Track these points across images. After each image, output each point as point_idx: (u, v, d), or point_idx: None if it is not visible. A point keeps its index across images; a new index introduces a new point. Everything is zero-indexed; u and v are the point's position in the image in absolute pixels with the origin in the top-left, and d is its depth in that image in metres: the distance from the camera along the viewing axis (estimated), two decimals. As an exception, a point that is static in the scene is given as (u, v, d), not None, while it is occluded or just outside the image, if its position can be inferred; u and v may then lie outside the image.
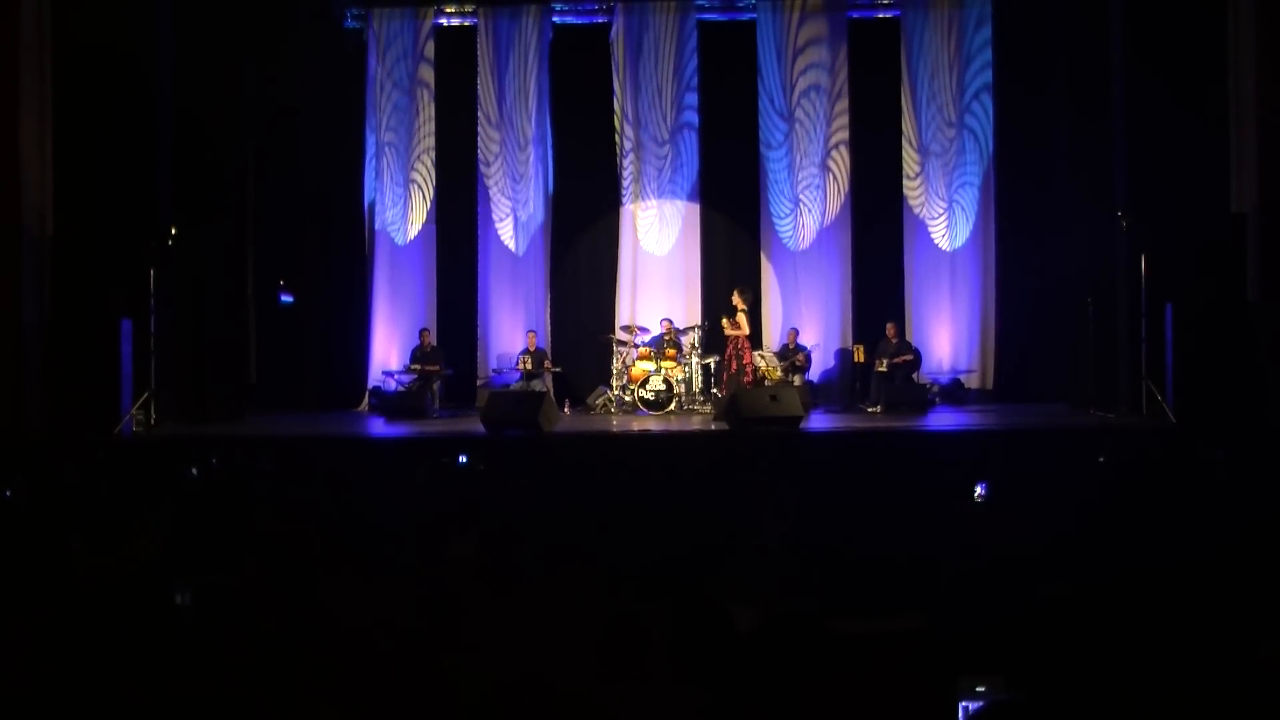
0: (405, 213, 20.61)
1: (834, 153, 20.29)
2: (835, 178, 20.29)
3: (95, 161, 16.45)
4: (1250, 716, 3.99)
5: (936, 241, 20.22)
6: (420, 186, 20.59)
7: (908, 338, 19.61)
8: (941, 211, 20.22)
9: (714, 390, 18.81)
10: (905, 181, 20.26)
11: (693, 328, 19.34)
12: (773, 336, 20.16)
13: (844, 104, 20.26)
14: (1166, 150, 16.61)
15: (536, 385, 19.05)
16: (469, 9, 20.78)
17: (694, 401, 18.82)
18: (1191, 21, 16.66)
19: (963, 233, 20.20)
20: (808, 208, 20.32)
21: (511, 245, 20.59)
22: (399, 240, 20.64)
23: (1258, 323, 15.72)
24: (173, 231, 16.73)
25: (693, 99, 20.43)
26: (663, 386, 18.48)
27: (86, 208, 16.37)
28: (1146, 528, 6.52)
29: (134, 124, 16.81)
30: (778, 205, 20.43)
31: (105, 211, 16.41)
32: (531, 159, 20.52)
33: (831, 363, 20.21)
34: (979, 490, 7.85)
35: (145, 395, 16.15)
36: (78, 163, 16.37)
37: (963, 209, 20.19)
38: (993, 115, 20.09)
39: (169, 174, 17.43)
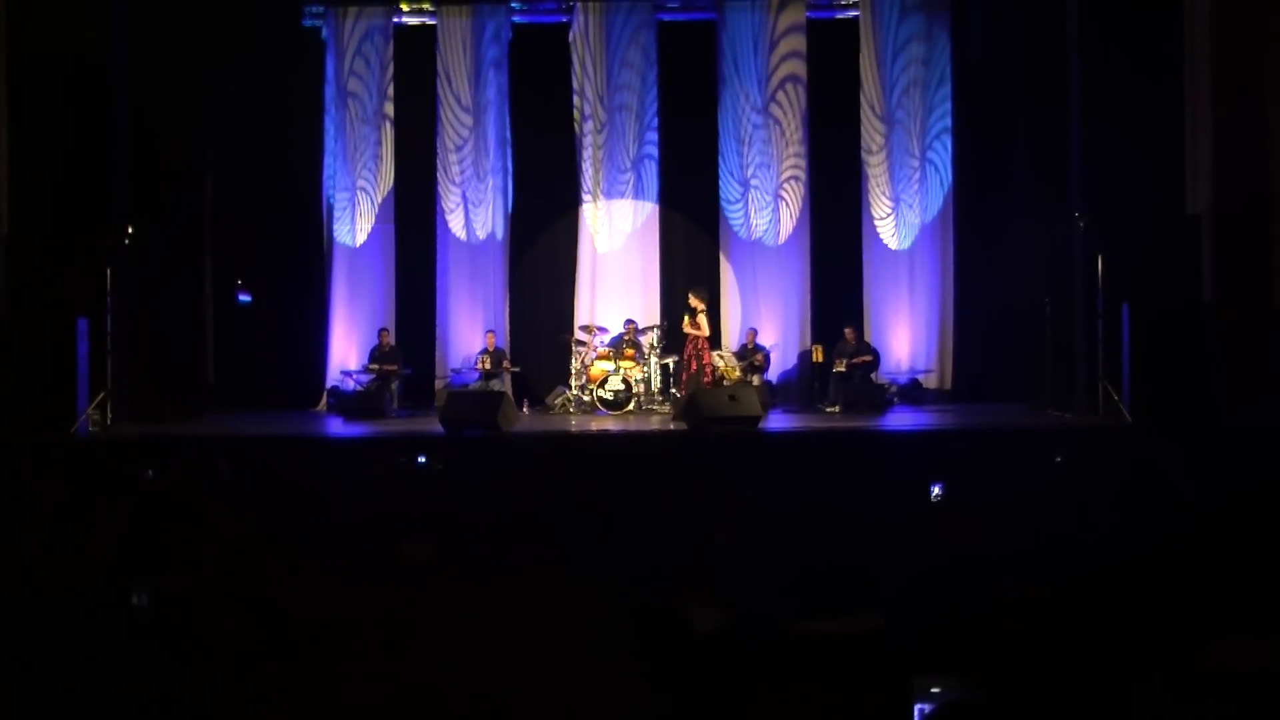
0: (364, 212, 20.55)
1: (793, 153, 20.32)
2: (795, 178, 20.35)
3: (51, 160, 16.38)
4: (1203, 714, 4.02)
5: (895, 242, 20.30)
6: (379, 186, 20.55)
7: (866, 338, 19.69)
8: (900, 212, 20.29)
9: (673, 390, 18.84)
10: (865, 182, 20.34)
11: (652, 327, 19.37)
12: (731, 336, 20.21)
13: (803, 103, 20.30)
14: (1123, 152, 16.76)
15: (495, 385, 19.03)
16: (428, 8, 20.74)
17: (653, 401, 18.86)
18: (1147, 25, 16.81)
19: (921, 233, 20.28)
20: (767, 208, 20.36)
21: (470, 245, 20.55)
22: (357, 240, 20.59)
23: (1212, 323, 15.84)
24: (129, 231, 16.64)
25: (653, 99, 20.46)
26: (622, 386, 18.50)
27: (42, 207, 16.29)
28: (1102, 527, 6.56)
29: (91, 122, 16.74)
30: (737, 205, 20.46)
31: (61, 210, 16.34)
32: (491, 159, 20.50)
33: (790, 363, 20.26)
34: (935, 490, 7.87)
35: (101, 395, 16.08)
36: (33, 161, 16.29)
37: (921, 210, 20.27)
38: (951, 117, 20.19)
39: (126, 173, 17.34)
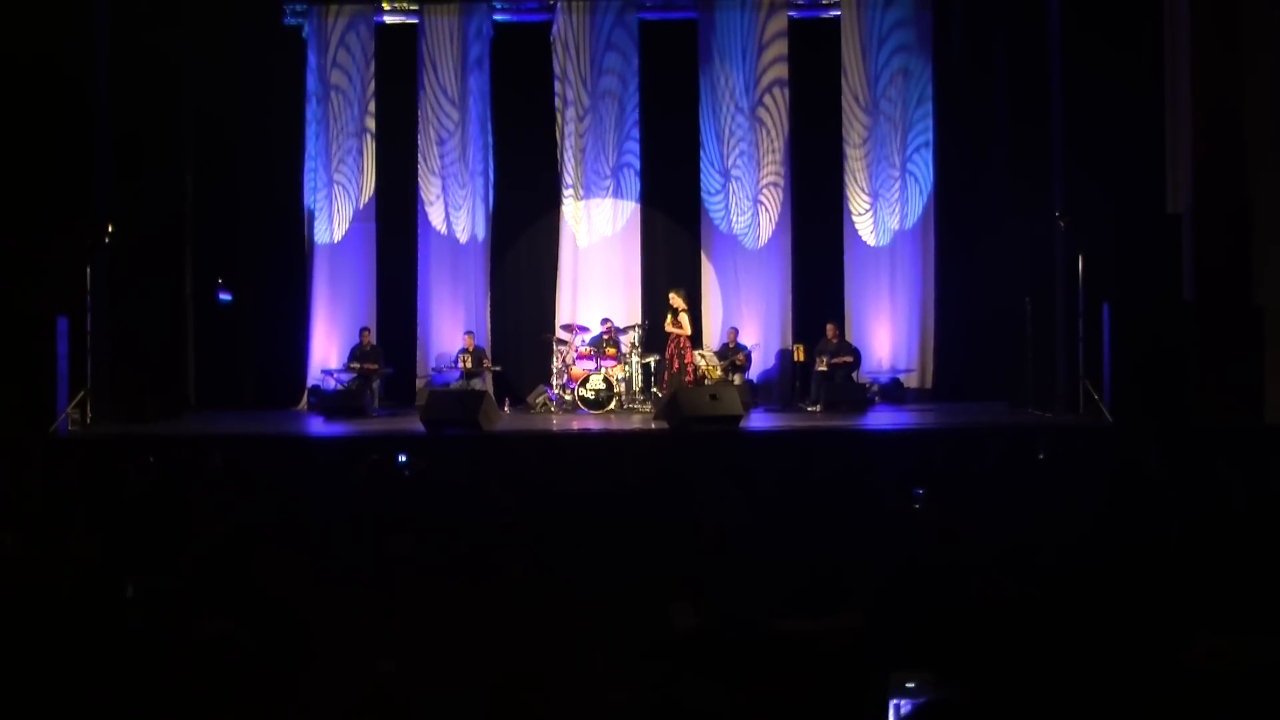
0: (345, 211, 20.50)
1: (775, 152, 20.33)
2: (776, 177, 20.34)
3: (31, 158, 16.30)
4: (1184, 712, 4.04)
5: (876, 241, 20.30)
6: (360, 184, 20.49)
7: (847, 337, 19.68)
8: (881, 211, 20.30)
9: (654, 389, 18.83)
10: (846, 181, 20.32)
11: (633, 326, 19.35)
12: (713, 336, 20.19)
13: (785, 102, 20.29)
14: (1104, 152, 16.82)
15: (476, 384, 19.00)
16: (410, 7, 20.67)
17: (634, 400, 18.82)
18: (1129, 27, 16.86)
19: (902, 232, 20.29)
20: (749, 207, 20.36)
21: (452, 244, 20.51)
22: (338, 238, 20.50)
23: (1192, 322, 15.90)
24: (109, 229, 16.58)
25: (634, 98, 20.42)
26: (603, 385, 18.47)
27: (22, 205, 16.21)
28: (1083, 525, 6.58)
29: (71, 121, 16.68)
30: (718, 205, 20.46)
31: (41, 209, 16.26)
32: (472, 158, 20.46)
33: (771, 362, 20.24)
34: (917, 489, 7.88)
35: (81, 394, 16.01)
36: (12, 159, 16.22)
37: (902, 209, 20.28)
38: (933, 116, 20.20)
39: (106, 171, 17.28)
